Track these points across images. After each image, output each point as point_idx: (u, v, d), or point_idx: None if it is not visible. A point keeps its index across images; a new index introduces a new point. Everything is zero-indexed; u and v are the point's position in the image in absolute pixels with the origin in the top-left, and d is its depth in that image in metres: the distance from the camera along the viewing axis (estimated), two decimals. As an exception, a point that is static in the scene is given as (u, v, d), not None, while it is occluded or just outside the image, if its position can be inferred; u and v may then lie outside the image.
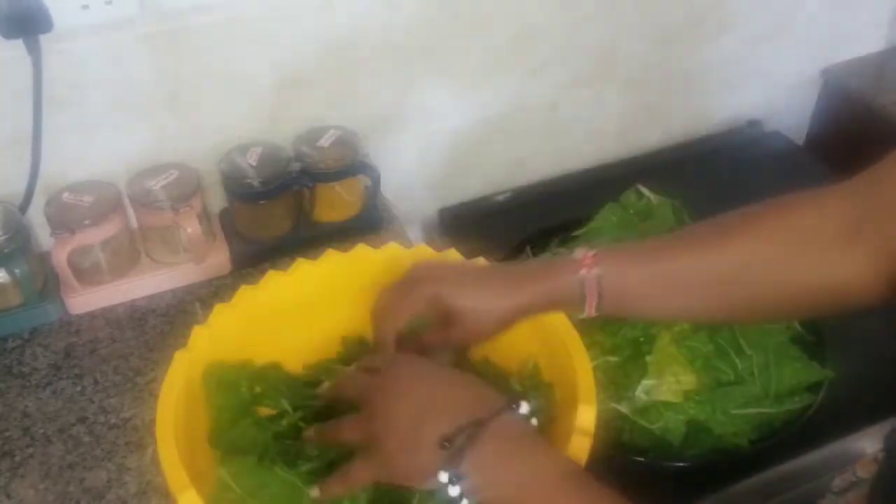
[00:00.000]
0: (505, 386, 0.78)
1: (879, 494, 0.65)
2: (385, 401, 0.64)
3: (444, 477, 0.58)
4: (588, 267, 0.71)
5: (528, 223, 1.15)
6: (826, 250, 0.66)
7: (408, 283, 0.75)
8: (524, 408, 0.63)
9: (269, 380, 0.79)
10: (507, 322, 0.74)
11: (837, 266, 0.66)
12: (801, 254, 0.67)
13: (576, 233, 1.08)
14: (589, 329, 0.91)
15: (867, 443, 0.96)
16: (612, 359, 0.92)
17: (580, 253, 0.72)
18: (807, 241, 0.67)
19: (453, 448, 0.59)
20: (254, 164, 1.06)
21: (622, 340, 0.92)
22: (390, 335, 0.75)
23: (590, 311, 0.72)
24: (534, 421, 0.64)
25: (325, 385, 0.75)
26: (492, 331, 0.75)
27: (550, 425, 0.75)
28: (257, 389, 0.78)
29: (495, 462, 0.59)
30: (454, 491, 0.58)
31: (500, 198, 1.34)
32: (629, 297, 0.72)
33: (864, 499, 0.67)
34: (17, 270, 0.97)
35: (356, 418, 0.66)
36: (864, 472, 0.97)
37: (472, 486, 0.58)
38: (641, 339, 0.92)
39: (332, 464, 0.70)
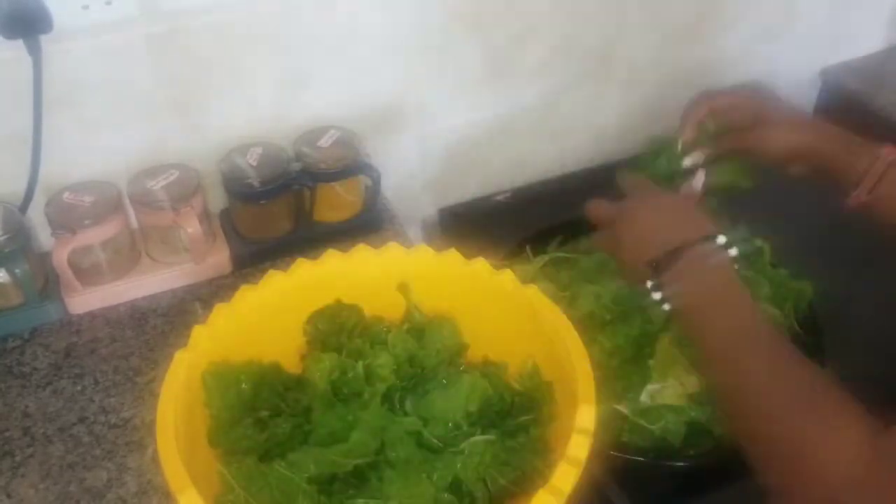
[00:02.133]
0: (501, 386, 0.80)
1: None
2: (621, 224, 0.84)
3: (650, 285, 0.78)
4: (888, 153, 0.86)
5: (528, 223, 1.15)
6: None
7: (737, 86, 1.00)
8: (721, 239, 0.77)
9: (269, 380, 0.79)
10: (794, 152, 0.90)
11: None
12: None
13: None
14: (589, 329, 0.91)
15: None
16: (613, 359, 0.92)
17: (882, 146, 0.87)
18: None
19: (658, 266, 0.77)
20: (254, 164, 1.06)
21: (623, 341, 0.92)
22: (702, 110, 0.96)
23: (861, 189, 0.87)
24: (732, 251, 0.77)
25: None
26: (783, 150, 0.91)
27: (550, 424, 0.75)
28: (257, 389, 0.78)
29: (685, 278, 0.76)
30: (657, 296, 0.78)
31: (500, 198, 1.34)
32: None
33: None
34: (17, 270, 0.97)
35: (606, 233, 0.87)
36: None
37: (669, 293, 0.77)
38: (642, 339, 0.92)
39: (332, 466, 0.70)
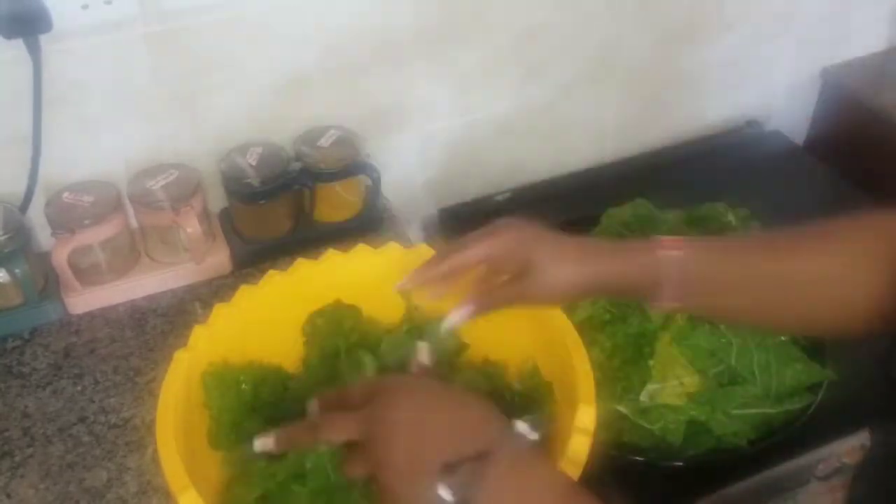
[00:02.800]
0: (501, 386, 0.78)
1: (864, 480, 0.66)
2: (378, 433, 0.61)
3: (443, 493, 0.56)
4: (667, 249, 0.71)
5: (527, 223, 1.15)
6: (882, 273, 0.67)
7: (491, 226, 0.77)
8: (522, 427, 0.61)
9: (269, 381, 0.79)
10: (577, 288, 0.74)
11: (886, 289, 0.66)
12: (864, 274, 0.67)
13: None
14: (589, 329, 0.91)
15: (866, 442, 0.96)
16: (613, 359, 0.92)
17: (659, 238, 0.72)
18: (869, 263, 0.67)
19: (457, 478, 0.56)
20: (254, 164, 1.06)
21: (622, 340, 0.92)
22: (464, 259, 0.75)
23: (663, 296, 0.71)
24: (534, 436, 0.61)
25: (313, 405, 0.69)
26: (559, 294, 0.75)
27: (551, 425, 0.75)
28: (257, 391, 0.78)
29: (503, 496, 0.57)
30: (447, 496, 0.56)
31: (500, 198, 1.34)
32: (702, 286, 0.71)
33: (847, 484, 0.68)
34: (17, 270, 0.97)
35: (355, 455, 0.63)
36: (850, 458, 0.97)
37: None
38: (641, 338, 0.92)
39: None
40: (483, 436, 0.60)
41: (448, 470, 0.57)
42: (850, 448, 0.96)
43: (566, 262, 0.74)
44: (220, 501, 0.70)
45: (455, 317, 0.76)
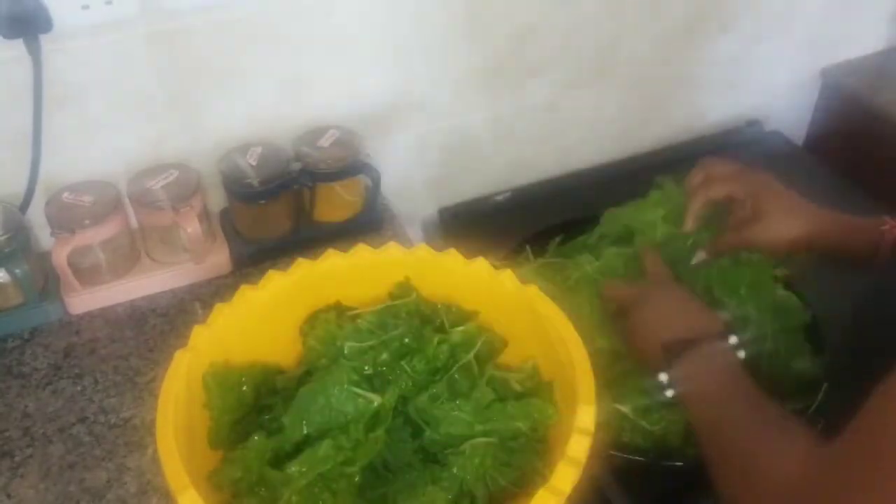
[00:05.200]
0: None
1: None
2: (636, 308, 0.86)
3: (662, 376, 0.80)
4: (891, 228, 0.85)
5: (528, 223, 1.15)
6: None
7: (734, 167, 0.93)
8: (733, 339, 0.79)
9: (269, 382, 0.79)
10: (800, 243, 0.88)
11: None
12: None
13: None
14: (589, 331, 0.91)
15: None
16: (613, 359, 0.92)
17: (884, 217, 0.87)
18: None
19: (670, 354, 0.79)
20: (254, 164, 1.06)
21: (623, 340, 0.92)
22: (699, 202, 0.94)
23: (878, 266, 0.85)
24: (741, 353, 0.79)
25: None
26: (785, 244, 0.89)
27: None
28: (258, 392, 0.78)
29: (695, 373, 0.77)
30: (663, 377, 0.80)
31: (500, 198, 1.34)
32: None
33: None
34: (17, 270, 0.97)
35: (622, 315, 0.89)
36: None
37: (677, 379, 0.79)
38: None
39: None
40: (698, 330, 0.79)
41: (666, 348, 0.79)
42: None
43: (797, 217, 0.89)
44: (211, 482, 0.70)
45: (699, 256, 0.96)
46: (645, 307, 0.86)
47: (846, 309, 1.06)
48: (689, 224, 0.98)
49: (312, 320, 0.83)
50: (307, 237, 1.11)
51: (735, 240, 0.93)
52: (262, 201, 1.07)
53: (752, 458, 0.67)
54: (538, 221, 1.14)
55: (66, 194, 1.02)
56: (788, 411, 0.73)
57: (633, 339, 0.86)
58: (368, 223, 1.15)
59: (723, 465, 0.71)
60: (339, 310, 0.83)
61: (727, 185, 0.94)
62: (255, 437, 0.72)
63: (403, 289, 0.84)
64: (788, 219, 0.90)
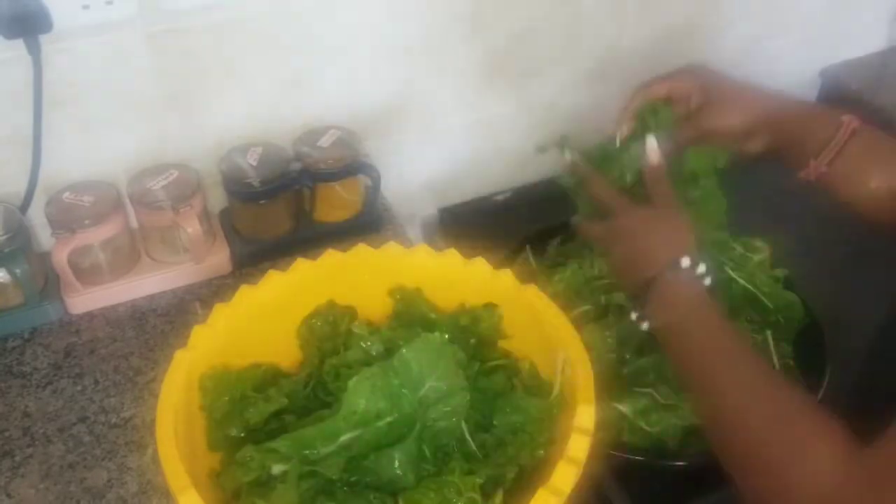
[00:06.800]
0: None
1: None
2: (608, 246, 0.85)
3: (633, 314, 0.80)
4: (849, 121, 0.82)
5: (528, 223, 1.15)
6: None
7: (673, 70, 0.91)
8: (701, 268, 0.77)
9: (268, 385, 0.79)
10: (757, 122, 0.85)
11: None
12: None
13: None
14: (589, 329, 0.91)
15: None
16: (613, 358, 0.92)
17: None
18: None
19: (638, 291, 0.79)
20: (254, 164, 1.06)
21: (623, 339, 0.92)
22: (636, 101, 0.92)
23: (825, 157, 0.82)
24: (707, 280, 0.77)
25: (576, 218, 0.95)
26: (740, 125, 0.86)
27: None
28: (257, 391, 0.78)
29: (663, 301, 0.77)
30: (634, 315, 0.80)
31: (500, 198, 1.34)
32: (862, 164, 0.82)
33: None
34: (17, 270, 0.97)
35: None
36: None
37: (648, 313, 0.78)
38: (641, 337, 0.92)
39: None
40: (662, 263, 0.77)
41: (634, 286, 0.79)
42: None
43: (751, 98, 0.87)
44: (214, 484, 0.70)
45: (652, 141, 0.89)
46: (616, 244, 0.84)
47: (853, 311, 1.06)
48: (623, 127, 0.94)
49: (310, 321, 0.83)
50: (307, 237, 1.11)
51: (691, 130, 0.89)
52: (262, 201, 1.07)
53: (774, 455, 0.64)
54: (538, 221, 1.14)
55: (66, 194, 1.02)
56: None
57: (616, 277, 0.87)
58: (368, 223, 1.15)
59: (737, 459, 0.68)
60: (336, 312, 0.83)
61: (667, 83, 0.91)
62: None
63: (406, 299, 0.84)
64: (742, 100, 0.87)
